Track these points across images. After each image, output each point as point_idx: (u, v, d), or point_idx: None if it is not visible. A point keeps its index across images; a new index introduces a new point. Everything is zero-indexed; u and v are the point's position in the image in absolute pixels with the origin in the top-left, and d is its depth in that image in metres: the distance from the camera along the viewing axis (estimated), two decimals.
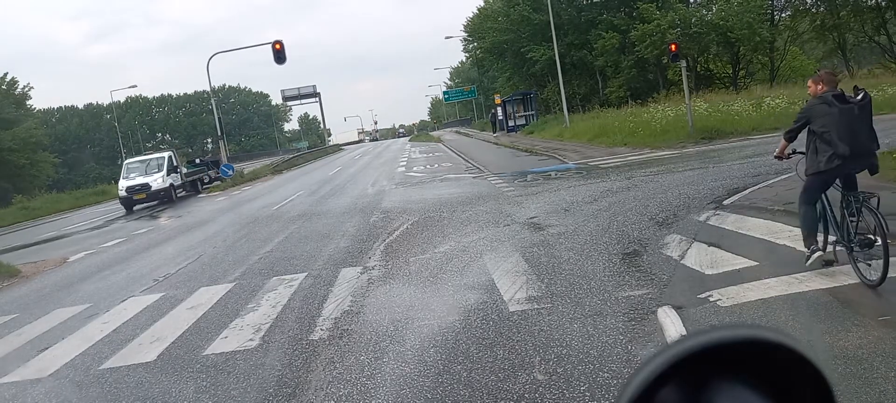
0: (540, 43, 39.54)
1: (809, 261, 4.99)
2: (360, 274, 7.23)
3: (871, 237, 4.53)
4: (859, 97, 4.71)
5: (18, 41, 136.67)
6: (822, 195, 5.00)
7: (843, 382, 3.23)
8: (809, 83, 5.20)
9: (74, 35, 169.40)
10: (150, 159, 24.49)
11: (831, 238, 5.00)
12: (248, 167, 40.12)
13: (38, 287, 9.77)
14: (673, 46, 20.21)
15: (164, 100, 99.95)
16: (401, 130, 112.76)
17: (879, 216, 4.48)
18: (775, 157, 5.63)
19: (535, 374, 3.87)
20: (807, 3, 34.09)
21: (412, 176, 20.30)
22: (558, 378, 3.76)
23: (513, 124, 41.18)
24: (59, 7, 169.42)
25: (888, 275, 4.43)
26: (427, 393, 3.82)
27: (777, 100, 22.62)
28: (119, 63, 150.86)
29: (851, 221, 4.76)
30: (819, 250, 4.96)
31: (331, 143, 74.98)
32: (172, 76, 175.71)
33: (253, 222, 13.70)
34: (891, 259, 4.42)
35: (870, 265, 4.60)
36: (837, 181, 4.90)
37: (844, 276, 4.83)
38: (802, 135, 5.09)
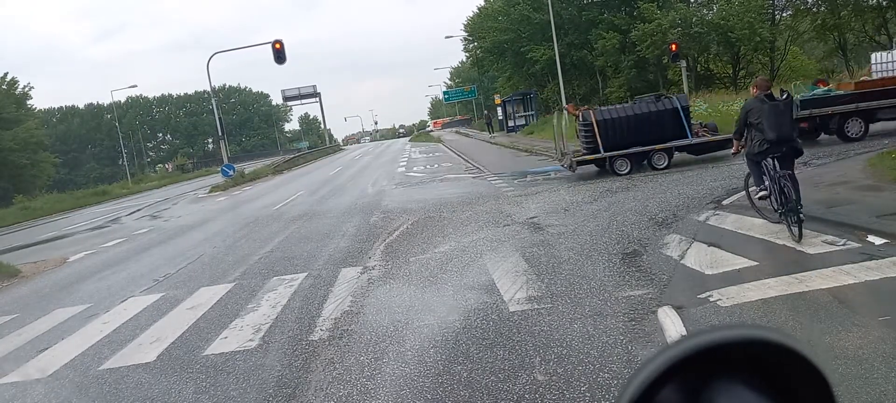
0: (540, 42, 39.51)
1: (758, 197, 6.75)
2: (361, 274, 7.23)
3: (790, 202, 6.03)
4: (784, 97, 6.40)
5: (22, 41, 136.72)
6: (763, 164, 6.47)
7: (843, 382, 3.23)
8: (751, 87, 6.81)
9: (78, 35, 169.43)
10: None
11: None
12: (248, 167, 40.14)
13: (38, 287, 9.77)
14: (673, 46, 20.25)
15: (164, 100, 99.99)
16: (401, 130, 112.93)
17: (792, 183, 6.02)
18: (733, 154, 7.45)
19: (535, 374, 3.87)
20: (808, 2, 34.05)
21: (412, 176, 20.31)
22: (558, 378, 3.76)
23: (513, 124, 41.18)
24: (62, 7, 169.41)
25: (804, 233, 5.93)
26: (427, 394, 3.81)
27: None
28: (122, 63, 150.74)
29: (780, 192, 6.20)
30: (765, 190, 6.52)
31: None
32: (174, 76, 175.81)
33: (253, 222, 13.70)
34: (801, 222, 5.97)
35: (792, 229, 6.03)
36: (774, 160, 6.31)
37: (845, 276, 4.84)
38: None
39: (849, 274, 4.87)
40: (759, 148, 6.27)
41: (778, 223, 6.42)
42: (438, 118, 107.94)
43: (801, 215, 5.92)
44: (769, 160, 6.31)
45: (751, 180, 7.06)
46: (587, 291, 5.39)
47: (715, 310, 4.59)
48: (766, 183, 6.45)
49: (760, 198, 6.72)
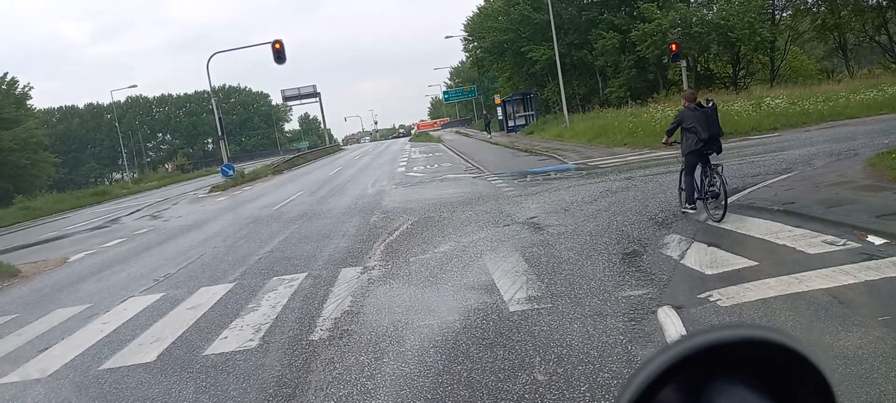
0: (540, 42, 39.50)
1: (687, 212, 7.92)
2: (360, 274, 7.23)
3: (717, 190, 7.42)
4: (709, 105, 7.75)
5: (22, 41, 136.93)
6: (695, 170, 7.81)
7: (843, 382, 3.23)
8: (683, 100, 8.21)
9: (78, 35, 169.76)
10: None
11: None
12: (248, 167, 40.14)
13: (38, 287, 9.77)
14: (673, 46, 20.25)
15: (164, 100, 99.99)
16: (401, 130, 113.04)
17: (722, 177, 7.38)
18: (663, 143, 8.75)
19: (535, 374, 3.87)
20: (808, 2, 34.07)
21: (412, 176, 20.31)
22: (558, 378, 3.76)
23: (513, 124, 41.18)
24: (62, 7, 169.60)
25: (727, 215, 7.31)
26: (427, 394, 3.81)
27: (777, 101, 22.59)
28: (122, 63, 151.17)
29: (706, 182, 7.62)
30: (694, 209, 7.82)
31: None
32: (175, 76, 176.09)
33: (253, 222, 13.70)
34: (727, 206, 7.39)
35: (716, 209, 7.45)
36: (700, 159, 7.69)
37: (844, 276, 4.84)
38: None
39: (848, 273, 4.87)
40: (695, 146, 7.62)
41: (693, 210, 7.90)
42: (437, 118, 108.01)
43: (727, 200, 7.40)
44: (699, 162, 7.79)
45: (683, 175, 8.33)
46: (587, 291, 5.39)
47: (715, 310, 4.59)
48: (694, 180, 7.89)
49: (690, 198, 7.98)
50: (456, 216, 10.55)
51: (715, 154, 7.74)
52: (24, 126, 45.65)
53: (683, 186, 8.02)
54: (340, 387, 4.09)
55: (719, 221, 7.24)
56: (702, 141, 7.53)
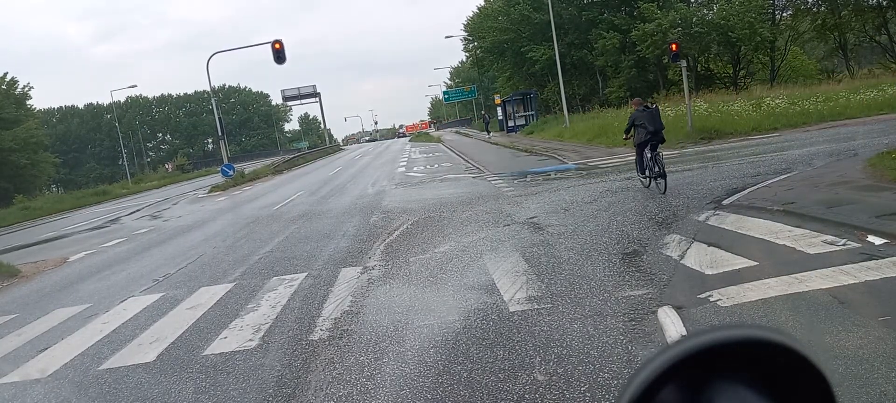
0: (540, 42, 39.51)
1: (641, 180, 10.62)
2: (360, 274, 7.23)
3: (661, 171, 9.80)
4: (653, 107, 10.42)
5: (22, 40, 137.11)
6: (644, 153, 10.24)
7: (843, 382, 3.23)
8: (631, 104, 11.08)
9: (80, 35, 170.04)
10: None
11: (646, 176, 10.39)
12: (248, 167, 40.14)
13: (38, 287, 9.77)
14: (674, 46, 20.15)
15: (164, 100, 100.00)
16: (401, 130, 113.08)
17: (661, 162, 9.83)
18: (624, 139, 11.47)
19: (535, 374, 3.87)
20: (808, 2, 34.09)
21: (412, 176, 20.31)
22: (558, 378, 3.76)
23: (513, 124, 41.17)
24: (63, 7, 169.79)
25: (668, 189, 9.71)
26: (427, 394, 3.81)
27: (777, 101, 22.61)
28: (122, 63, 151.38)
29: (652, 165, 10.00)
30: (645, 177, 10.39)
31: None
32: (175, 76, 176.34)
33: (253, 222, 13.70)
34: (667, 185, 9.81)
35: (660, 186, 9.84)
36: (649, 147, 10.10)
37: (845, 276, 4.84)
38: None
39: (849, 274, 4.87)
40: (644, 137, 10.05)
41: (649, 186, 10.27)
42: (436, 118, 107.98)
43: (667, 179, 9.80)
44: (647, 149, 10.11)
45: (637, 159, 10.74)
46: (587, 291, 5.39)
47: (715, 310, 4.58)
48: (645, 161, 10.26)
49: (643, 173, 10.49)
50: (456, 216, 10.55)
51: (659, 143, 10.04)
52: (24, 126, 45.68)
53: (636, 164, 10.77)
54: (340, 387, 4.09)
55: (664, 193, 9.60)
56: (649, 133, 9.97)
